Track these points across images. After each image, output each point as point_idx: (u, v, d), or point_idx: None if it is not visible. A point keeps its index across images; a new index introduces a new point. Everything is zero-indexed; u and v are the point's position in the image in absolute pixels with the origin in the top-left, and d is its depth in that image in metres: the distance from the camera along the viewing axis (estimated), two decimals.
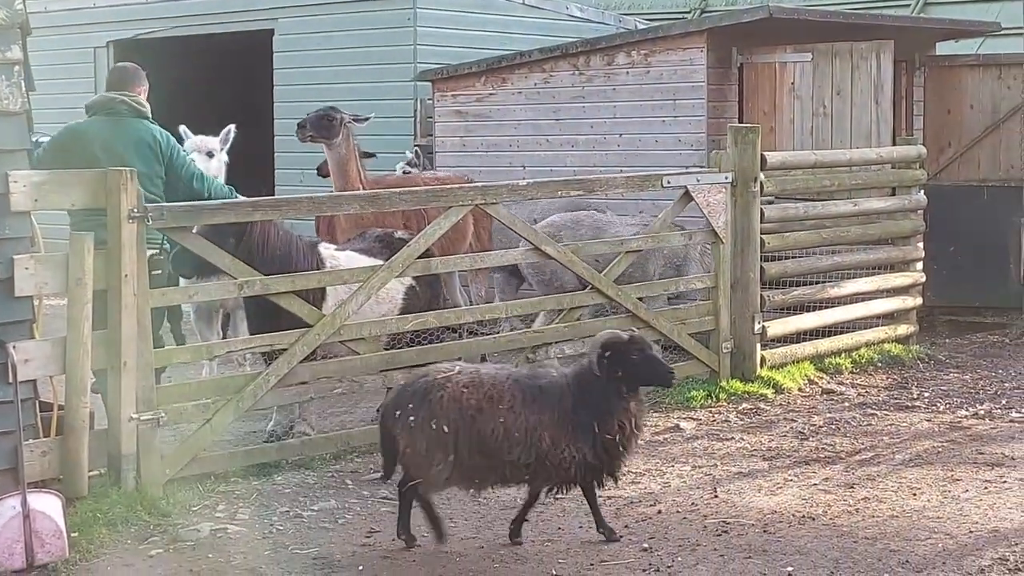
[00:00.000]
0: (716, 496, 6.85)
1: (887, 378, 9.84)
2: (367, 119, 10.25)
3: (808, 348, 9.90)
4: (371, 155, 12.14)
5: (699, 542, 6.12)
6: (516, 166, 12.14)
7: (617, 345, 5.86)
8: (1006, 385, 9.57)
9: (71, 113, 15.59)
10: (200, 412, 6.92)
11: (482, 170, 11.90)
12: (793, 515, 6.50)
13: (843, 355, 10.08)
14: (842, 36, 11.41)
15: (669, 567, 5.80)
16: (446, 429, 5.75)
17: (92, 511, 6.28)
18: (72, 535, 6.01)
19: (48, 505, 5.94)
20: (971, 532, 6.21)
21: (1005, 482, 7.04)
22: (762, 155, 9.26)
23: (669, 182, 8.96)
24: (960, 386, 9.62)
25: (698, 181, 9.01)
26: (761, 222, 9.32)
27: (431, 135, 12.96)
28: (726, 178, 9.10)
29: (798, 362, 9.71)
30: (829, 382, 9.62)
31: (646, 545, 6.07)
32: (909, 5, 18.35)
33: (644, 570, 5.77)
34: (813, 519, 6.44)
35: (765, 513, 6.54)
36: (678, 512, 6.58)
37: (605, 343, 5.89)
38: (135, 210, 6.49)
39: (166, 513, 6.46)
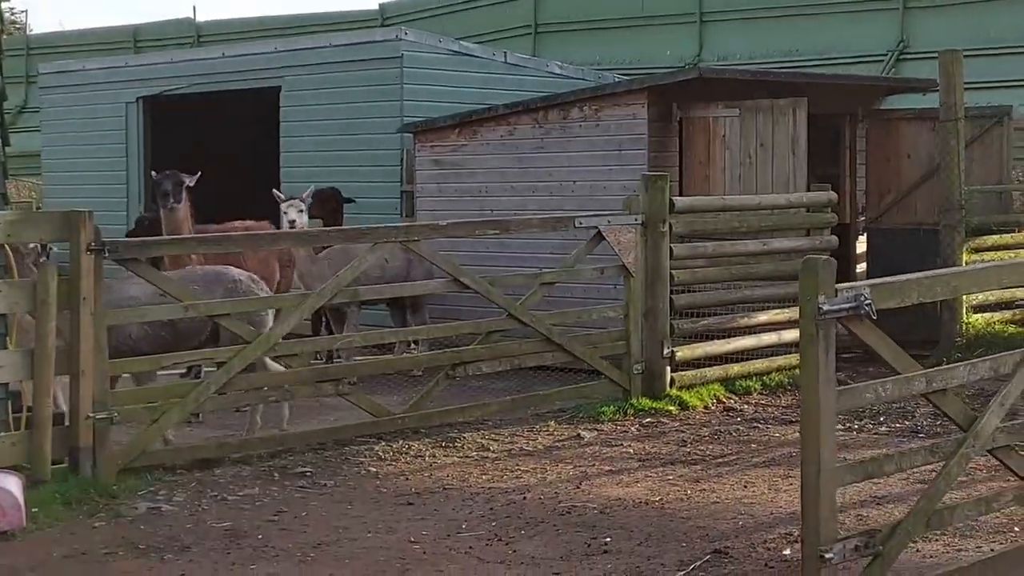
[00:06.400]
0: (579, 488, 8.06)
1: (792, 399, 10.94)
2: (197, 176, 11.50)
3: (718, 371, 11.07)
4: (350, 200, 13.56)
5: (543, 520, 7.34)
6: (485, 210, 13.41)
7: None
8: (893, 406, 10.61)
9: (105, 162, 17.48)
10: (149, 413, 8.28)
11: (456, 214, 13.20)
12: (632, 501, 7.70)
13: (754, 378, 11.23)
14: (782, 93, 12.56)
15: (511, 537, 7.03)
16: None
17: (52, 492, 7.67)
18: (33, 510, 7.37)
19: (10, 482, 7.32)
20: (772, 514, 7.37)
21: None
22: (670, 199, 10.49)
23: (581, 223, 10.20)
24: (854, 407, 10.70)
25: (609, 223, 10.25)
26: (671, 259, 10.53)
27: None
28: (636, 220, 10.33)
29: (708, 384, 10.87)
30: (736, 402, 10.78)
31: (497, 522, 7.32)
32: (882, 61, 19.59)
33: (488, 539, 7.00)
34: (647, 504, 7.64)
35: (611, 500, 7.74)
36: (539, 500, 7.80)
37: None
38: (93, 243, 7.89)
39: (115, 495, 7.83)
